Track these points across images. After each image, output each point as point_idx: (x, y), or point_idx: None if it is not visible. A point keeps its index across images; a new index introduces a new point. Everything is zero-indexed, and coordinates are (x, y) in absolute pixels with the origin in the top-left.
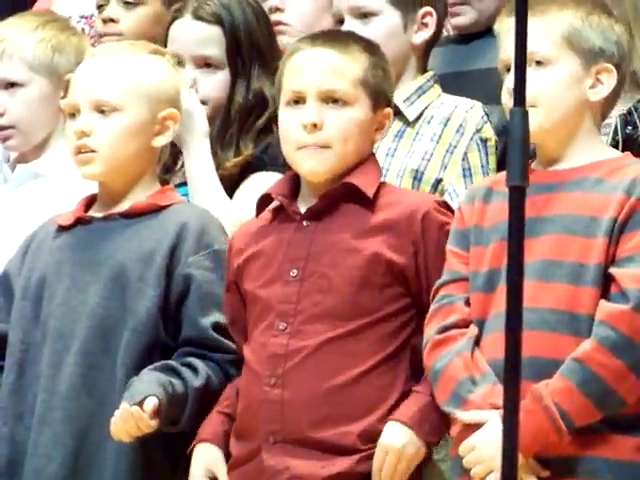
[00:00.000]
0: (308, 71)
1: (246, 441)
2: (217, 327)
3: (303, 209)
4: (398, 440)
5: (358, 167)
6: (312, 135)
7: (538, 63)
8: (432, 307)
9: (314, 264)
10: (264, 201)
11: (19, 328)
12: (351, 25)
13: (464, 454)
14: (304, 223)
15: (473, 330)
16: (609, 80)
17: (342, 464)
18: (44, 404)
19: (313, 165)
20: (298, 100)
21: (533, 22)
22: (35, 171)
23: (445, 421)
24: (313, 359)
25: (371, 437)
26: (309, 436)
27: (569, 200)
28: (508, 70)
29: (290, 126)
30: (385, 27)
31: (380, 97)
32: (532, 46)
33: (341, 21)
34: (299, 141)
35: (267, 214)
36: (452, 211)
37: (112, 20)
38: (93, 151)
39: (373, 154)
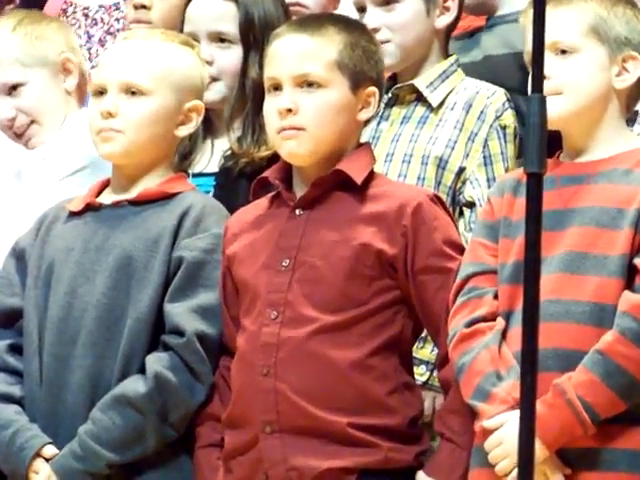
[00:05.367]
0: (281, 57)
1: (241, 430)
2: (198, 310)
3: (298, 194)
4: None
5: (350, 154)
6: (287, 120)
7: (563, 52)
8: (460, 299)
9: (305, 254)
10: (259, 184)
11: (35, 317)
12: (374, 13)
13: (490, 449)
14: (296, 212)
15: (500, 323)
16: (635, 68)
17: (342, 458)
18: (52, 397)
19: (291, 146)
20: (277, 87)
21: (559, 11)
22: (41, 156)
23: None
24: (304, 349)
25: (364, 428)
26: (305, 425)
27: (597, 192)
28: None
29: (269, 113)
30: (408, 13)
31: (360, 77)
32: (558, 35)
33: (362, 9)
34: (277, 127)
35: (264, 201)
36: (445, 206)
37: (144, 7)
38: (116, 132)
39: (368, 143)
